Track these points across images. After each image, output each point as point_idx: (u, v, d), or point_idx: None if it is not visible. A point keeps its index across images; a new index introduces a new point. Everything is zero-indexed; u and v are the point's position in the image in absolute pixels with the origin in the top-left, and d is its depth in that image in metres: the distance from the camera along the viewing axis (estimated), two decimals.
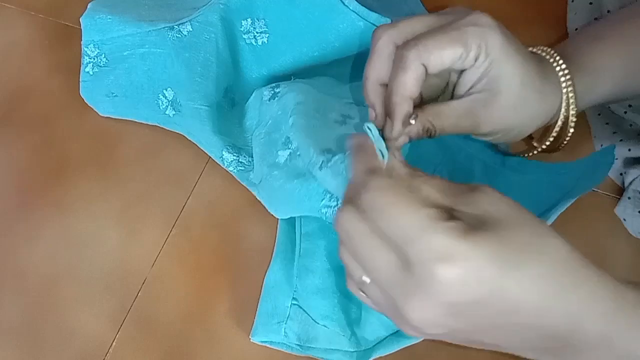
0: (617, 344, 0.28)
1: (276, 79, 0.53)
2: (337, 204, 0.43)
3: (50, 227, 0.50)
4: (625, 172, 0.50)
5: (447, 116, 0.36)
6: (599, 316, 0.28)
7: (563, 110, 0.39)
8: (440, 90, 0.39)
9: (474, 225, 0.27)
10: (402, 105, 0.34)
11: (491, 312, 0.27)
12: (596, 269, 0.29)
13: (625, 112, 0.51)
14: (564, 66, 0.38)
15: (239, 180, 0.50)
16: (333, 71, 0.53)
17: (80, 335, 0.46)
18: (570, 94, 0.38)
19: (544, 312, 0.27)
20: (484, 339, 0.29)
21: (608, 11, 0.52)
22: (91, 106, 0.54)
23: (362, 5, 0.50)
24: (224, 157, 0.50)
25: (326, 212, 0.43)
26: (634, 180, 0.49)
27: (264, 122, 0.49)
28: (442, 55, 0.33)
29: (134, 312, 0.47)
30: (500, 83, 0.35)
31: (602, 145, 0.52)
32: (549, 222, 0.43)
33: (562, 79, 0.38)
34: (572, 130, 0.39)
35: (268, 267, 0.47)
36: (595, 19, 0.54)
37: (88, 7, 0.52)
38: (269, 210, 0.47)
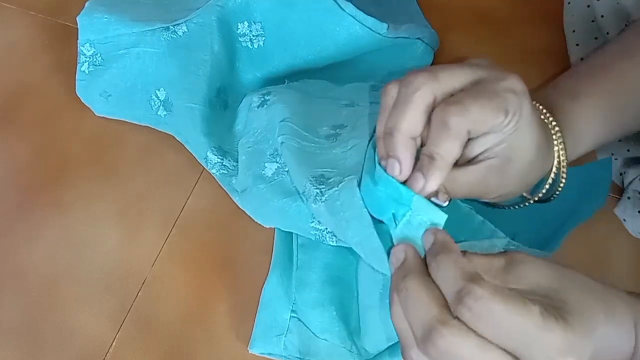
0: None
1: (271, 82, 0.53)
2: (326, 229, 0.43)
3: (50, 227, 0.50)
4: (624, 172, 0.50)
5: (461, 182, 0.35)
6: None
7: (555, 164, 0.39)
8: None
9: (555, 307, 0.28)
10: (444, 171, 0.32)
11: None
12: None
13: None
14: (554, 124, 0.38)
15: (220, 184, 0.50)
16: (328, 75, 0.53)
17: (80, 335, 0.46)
18: (562, 151, 0.38)
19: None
20: None
21: (602, 16, 0.52)
22: (87, 105, 0.54)
23: (363, 11, 0.50)
24: (208, 158, 0.50)
25: (315, 234, 0.43)
26: (633, 180, 0.49)
27: (252, 131, 0.49)
28: (485, 122, 0.32)
29: (134, 312, 0.47)
30: (518, 150, 0.35)
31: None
32: (556, 247, 0.43)
33: (554, 136, 0.38)
34: (564, 181, 0.40)
35: (268, 267, 0.47)
36: (592, 21, 0.54)
37: (85, 6, 0.52)
38: (254, 219, 0.47)
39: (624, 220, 0.49)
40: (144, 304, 0.47)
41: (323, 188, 0.41)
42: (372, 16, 0.50)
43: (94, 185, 0.52)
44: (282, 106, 0.47)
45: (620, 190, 0.50)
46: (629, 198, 0.49)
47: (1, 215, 0.51)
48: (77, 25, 0.52)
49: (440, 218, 0.33)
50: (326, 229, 0.43)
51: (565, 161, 0.39)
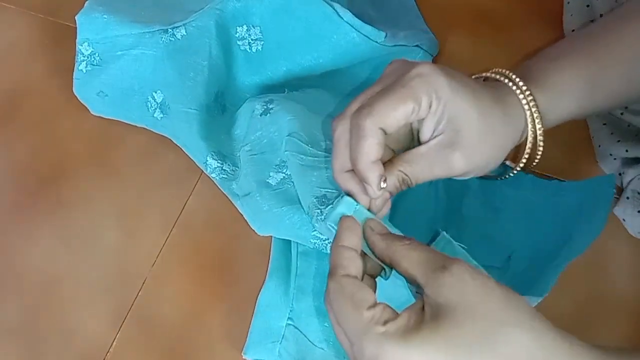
0: None
1: (268, 87, 0.53)
2: (327, 238, 0.43)
3: (50, 227, 0.50)
4: (623, 172, 0.50)
5: (416, 162, 0.36)
6: None
7: (530, 128, 0.39)
8: (409, 141, 0.39)
9: (433, 315, 0.29)
10: (373, 170, 0.35)
11: None
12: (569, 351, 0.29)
13: (622, 114, 0.51)
14: (521, 84, 0.39)
15: (220, 188, 0.50)
16: (326, 82, 0.53)
17: (81, 335, 0.46)
18: (535, 113, 0.38)
19: None
20: None
21: (601, 15, 0.52)
22: (84, 104, 0.54)
23: (363, 16, 0.50)
24: (208, 162, 0.50)
25: (315, 243, 0.44)
26: (632, 180, 0.49)
27: (256, 138, 0.49)
28: (395, 115, 0.34)
29: (134, 312, 0.47)
30: (459, 120, 0.36)
31: (600, 146, 0.52)
32: (547, 290, 0.43)
33: (522, 97, 0.38)
34: (541, 147, 0.40)
35: (267, 268, 0.47)
36: (592, 21, 0.54)
37: (85, 5, 0.52)
38: (250, 225, 0.47)
39: (624, 220, 0.49)
40: (144, 304, 0.47)
41: (323, 208, 0.42)
42: (372, 21, 0.50)
43: (94, 185, 0.52)
44: (288, 118, 0.47)
45: (619, 190, 0.50)
46: (628, 198, 0.49)
47: (1, 215, 0.51)
48: (76, 25, 0.52)
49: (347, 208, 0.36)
50: (327, 238, 0.43)
51: (540, 124, 0.39)
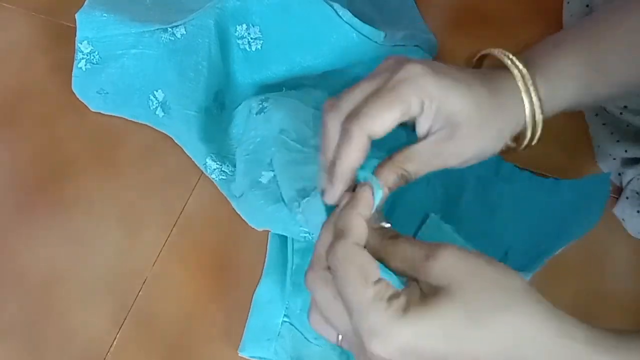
0: None
1: (268, 86, 0.53)
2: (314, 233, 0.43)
3: (50, 227, 0.50)
4: (622, 172, 0.50)
5: (416, 158, 0.36)
6: None
7: (528, 114, 0.38)
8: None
9: (428, 295, 0.30)
10: (346, 175, 0.35)
11: None
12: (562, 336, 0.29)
13: (621, 113, 0.51)
14: (521, 66, 0.38)
15: (219, 189, 0.50)
16: (325, 82, 0.53)
17: (81, 335, 0.46)
18: (534, 98, 0.38)
19: None
20: None
21: None
22: (83, 101, 0.54)
23: (362, 16, 0.50)
24: (207, 164, 0.50)
25: (305, 237, 0.44)
26: (631, 180, 0.49)
27: (251, 138, 0.49)
28: (383, 121, 0.34)
29: (134, 312, 0.47)
30: (456, 116, 0.35)
31: (599, 146, 0.52)
32: (540, 264, 0.43)
33: (521, 84, 0.38)
34: (539, 131, 0.39)
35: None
36: None
37: (85, 3, 0.52)
38: (248, 223, 0.48)
39: (623, 220, 0.49)
40: (145, 303, 0.47)
41: (301, 200, 0.43)
42: (372, 21, 0.50)
43: (95, 185, 0.52)
44: (279, 115, 0.47)
45: (619, 190, 0.50)
46: (627, 198, 0.49)
47: (1, 216, 0.51)
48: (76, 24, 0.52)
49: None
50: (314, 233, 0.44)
51: (541, 109, 0.38)
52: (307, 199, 0.42)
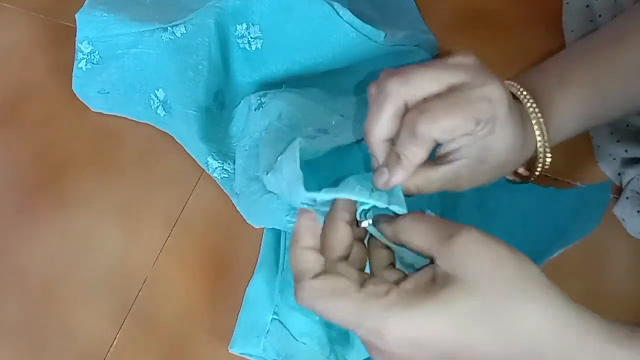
0: None
1: (267, 86, 0.53)
2: None
3: (51, 227, 0.50)
4: (622, 173, 0.50)
5: (433, 180, 0.36)
6: None
7: (539, 148, 0.39)
8: None
9: (442, 284, 0.29)
10: (407, 171, 0.34)
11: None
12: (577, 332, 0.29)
13: None
14: (535, 106, 0.39)
15: (222, 187, 0.50)
16: (325, 82, 0.53)
17: (81, 335, 0.46)
18: (545, 134, 0.39)
19: None
20: None
21: (599, 15, 0.52)
22: (83, 101, 0.54)
23: (362, 15, 0.50)
24: (209, 163, 0.50)
25: (291, 227, 0.44)
26: (631, 180, 0.49)
27: (249, 135, 0.49)
28: (454, 131, 0.33)
29: (134, 312, 0.47)
30: (491, 151, 0.35)
31: (599, 146, 0.52)
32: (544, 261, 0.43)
33: (535, 121, 0.38)
34: (549, 160, 0.40)
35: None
36: (591, 21, 0.55)
37: (85, 3, 0.53)
38: (247, 221, 0.48)
39: (623, 220, 0.49)
40: (145, 303, 0.47)
41: (274, 163, 0.42)
42: (372, 21, 0.50)
43: (95, 185, 0.52)
44: (275, 104, 0.47)
45: (618, 190, 0.50)
46: (627, 198, 0.49)
47: (2, 215, 0.51)
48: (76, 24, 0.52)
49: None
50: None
51: (547, 144, 0.39)
52: (281, 156, 0.41)
